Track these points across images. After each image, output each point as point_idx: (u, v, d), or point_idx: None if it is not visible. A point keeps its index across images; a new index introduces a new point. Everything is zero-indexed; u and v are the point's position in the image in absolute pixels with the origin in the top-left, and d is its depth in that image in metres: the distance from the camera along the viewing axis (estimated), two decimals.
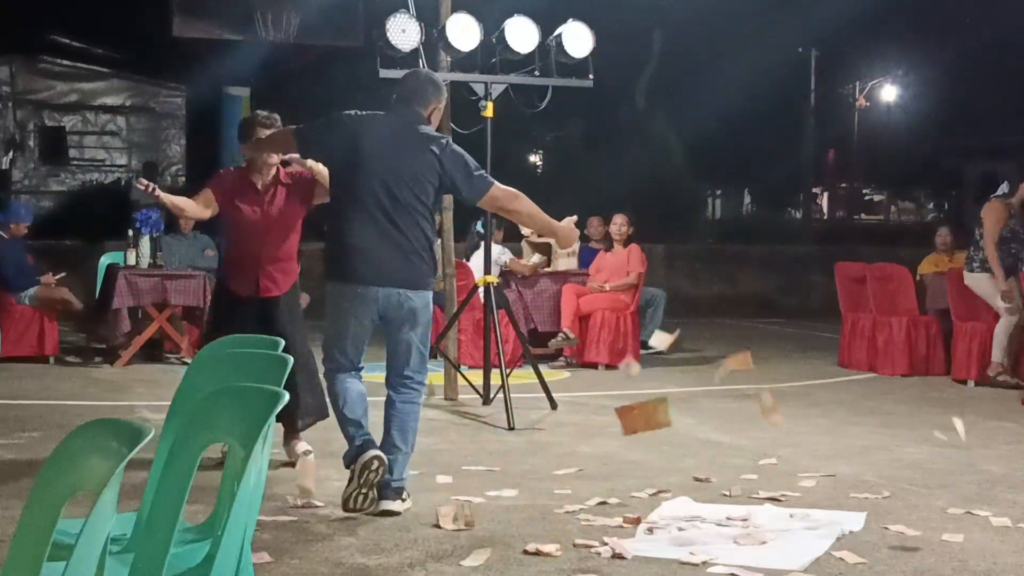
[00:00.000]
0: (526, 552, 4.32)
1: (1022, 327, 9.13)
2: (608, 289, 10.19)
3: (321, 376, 5.07)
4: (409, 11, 7.63)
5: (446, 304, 8.34)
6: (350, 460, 4.84)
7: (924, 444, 6.68)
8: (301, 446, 5.77)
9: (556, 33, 7.72)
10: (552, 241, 10.76)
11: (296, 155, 5.55)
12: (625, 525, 4.72)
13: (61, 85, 19.40)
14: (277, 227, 5.84)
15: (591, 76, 7.83)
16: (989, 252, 9.09)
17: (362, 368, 5.03)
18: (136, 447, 2.03)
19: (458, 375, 8.08)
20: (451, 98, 8.00)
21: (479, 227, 9.89)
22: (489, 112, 7.69)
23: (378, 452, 4.78)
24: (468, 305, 8.24)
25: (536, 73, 7.86)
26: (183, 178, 19.56)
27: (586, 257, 10.96)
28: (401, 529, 4.63)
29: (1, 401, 7.66)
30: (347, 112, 5.00)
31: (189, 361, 5.87)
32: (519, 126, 21.27)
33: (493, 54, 7.73)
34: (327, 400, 5.36)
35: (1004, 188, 9.38)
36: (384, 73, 7.44)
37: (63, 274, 10.11)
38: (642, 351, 10.40)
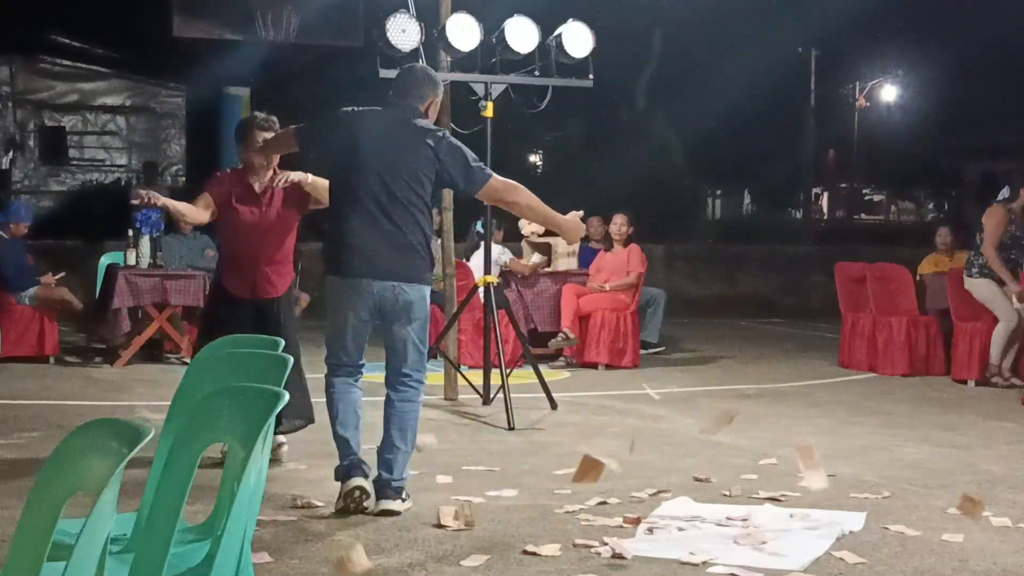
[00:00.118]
0: (526, 552, 4.32)
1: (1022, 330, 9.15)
2: (608, 289, 10.19)
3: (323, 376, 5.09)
4: (409, 11, 7.63)
5: (446, 304, 8.34)
6: (338, 477, 4.91)
7: (924, 444, 6.68)
8: (277, 439, 5.81)
9: (556, 33, 7.72)
10: (552, 241, 10.78)
11: (298, 173, 5.61)
12: (625, 525, 4.72)
13: (61, 85, 19.39)
14: (275, 229, 5.85)
15: (591, 76, 7.83)
16: (990, 257, 9.09)
17: (363, 365, 5.04)
18: (136, 447, 2.03)
19: (458, 375, 8.08)
20: (451, 98, 8.02)
21: (479, 227, 9.89)
22: (489, 112, 7.69)
23: (361, 482, 4.83)
24: (468, 305, 8.24)
25: (536, 73, 7.86)
26: (183, 178, 19.56)
27: (586, 257, 10.97)
28: (401, 529, 4.63)
29: (1, 401, 7.66)
30: (345, 109, 5.02)
31: (189, 361, 5.88)
32: (519, 126, 21.28)
33: (493, 54, 7.73)
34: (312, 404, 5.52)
35: (1005, 193, 9.37)
36: (384, 73, 7.43)
37: (63, 274, 10.11)
38: (642, 351, 10.41)
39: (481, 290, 7.87)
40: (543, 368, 8.14)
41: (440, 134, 4.97)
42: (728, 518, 4.84)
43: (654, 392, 4.72)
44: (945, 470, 5.96)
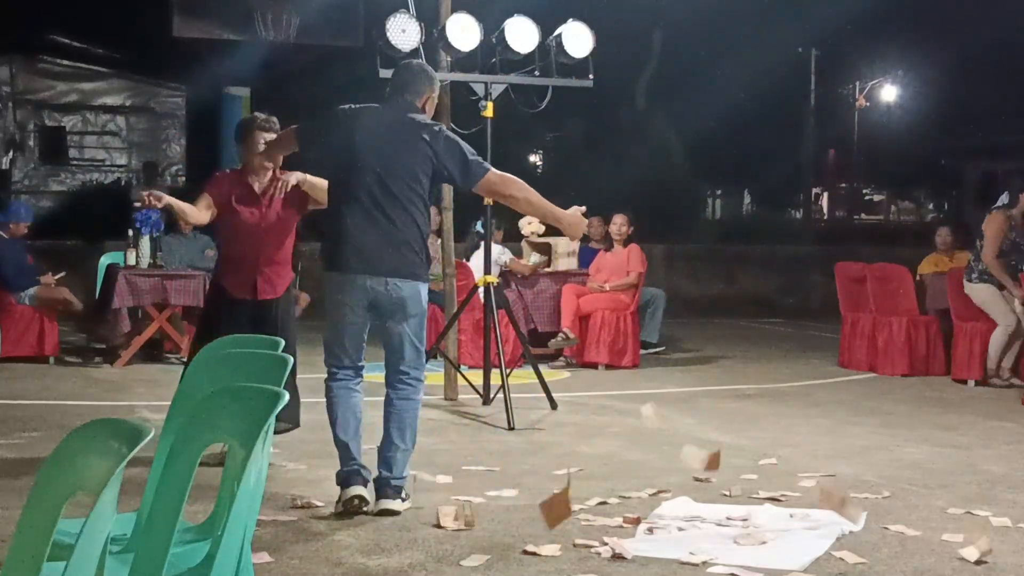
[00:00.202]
0: (526, 552, 4.32)
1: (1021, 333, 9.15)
2: (608, 289, 10.19)
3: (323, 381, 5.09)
4: (409, 11, 7.63)
5: (446, 304, 8.34)
6: (338, 483, 4.90)
7: (924, 444, 6.68)
8: None
9: (556, 33, 7.72)
10: (552, 241, 10.78)
11: (298, 173, 5.63)
12: (625, 525, 4.72)
13: (61, 85, 19.40)
14: (275, 230, 5.86)
15: (591, 76, 7.83)
16: (991, 264, 9.09)
17: (362, 367, 5.04)
18: (136, 447, 2.03)
19: (458, 375, 8.08)
20: (451, 98, 8.02)
21: (479, 227, 9.88)
22: (489, 112, 7.69)
23: (360, 491, 4.81)
24: (468, 305, 8.23)
25: (536, 73, 7.86)
26: (183, 178, 19.56)
27: (586, 257, 10.97)
28: (401, 529, 4.63)
29: (1, 401, 7.66)
30: (343, 107, 5.03)
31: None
32: (519, 126, 21.27)
33: (493, 54, 7.73)
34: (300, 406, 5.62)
35: (1004, 199, 9.35)
36: (384, 73, 7.42)
37: (63, 274, 10.11)
38: (642, 351, 10.41)
39: (481, 290, 7.87)
40: (543, 368, 8.14)
41: (436, 128, 4.96)
42: (728, 518, 4.84)
43: (651, 413, 4.60)
44: (945, 470, 5.96)
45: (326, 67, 19.30)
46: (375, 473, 4.92)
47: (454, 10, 7.78)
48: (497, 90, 7.73)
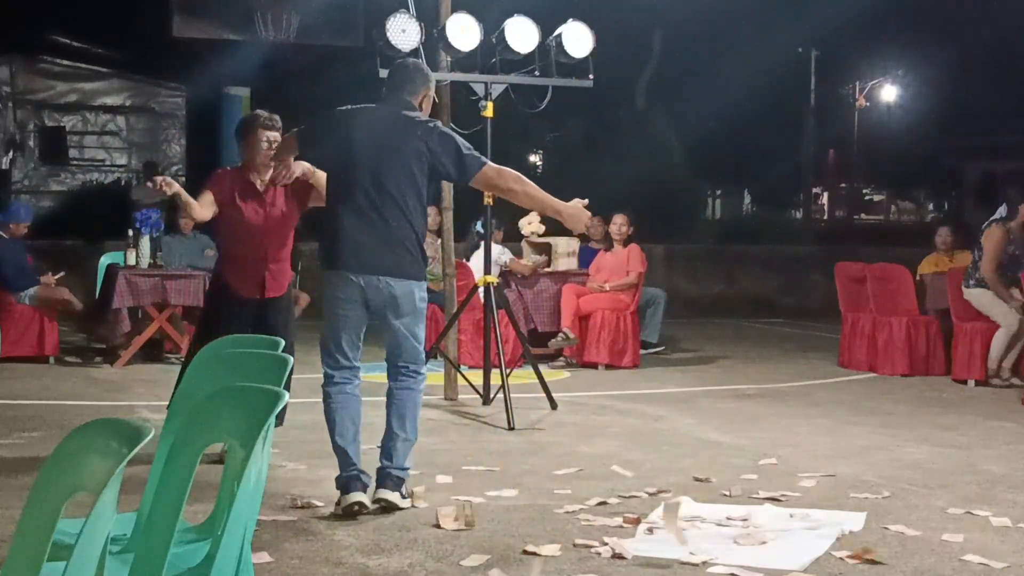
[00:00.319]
0: (526, 552, 4.32)
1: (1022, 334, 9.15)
2: (608, 289, 10.19)
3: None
4: (409, 11, 7.63)
5: (446, 304, 8.34)
6: (338, 487, 4.88)
7: (924, 444, 6.68)
8: None
9: (556, 33, 7.72)
10: (552, 241, 10.78)
11: (304, 163, 5.61)
12: (625, 525, 4.72)
13: (61, 85, 19.39)
14: (278, 227, 5.87)
15: (591, 76, 7.83)
16: (989, 279, 9.09)
17: (358, 367, 5.03)
18: (136, 447, 2.03)
19: (458, 375, 8.08)
20: (451, 98, 8.02)
21: (479, 227, 9.88)
22: (489, 112, 7.69)
23: (360, 497, 4.79)
24: (468, 305, 8.23)
25: (536, 73, 7.85)
26: (183, 178, 19.55)
27: (586, 257, 10.96)
28: (401, 529, 4.63)
29: (1, 401, 7.66)
30: (340, 108, 5.06)
31: None
32: (519, 126, 21.29)
33: (493, 54, 7.73)
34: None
35: (1002, 212, 9.34)
36: (384, 73, 7.40)
37: (63, 274, 10.11)
38: (642, 351, 10.40)
39: (481, 290, 7.87)
40: (543, 368, 8.14)
41: (431, 125, 4.96)
42: (728, 518, 4.84)
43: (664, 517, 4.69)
44: (945, 470, 5.96)
45: (326, 67, 19.31)
46: (375, 475, 4.92)
47: (454, 10, 7.78)
48: (497, 90, 7.73)
